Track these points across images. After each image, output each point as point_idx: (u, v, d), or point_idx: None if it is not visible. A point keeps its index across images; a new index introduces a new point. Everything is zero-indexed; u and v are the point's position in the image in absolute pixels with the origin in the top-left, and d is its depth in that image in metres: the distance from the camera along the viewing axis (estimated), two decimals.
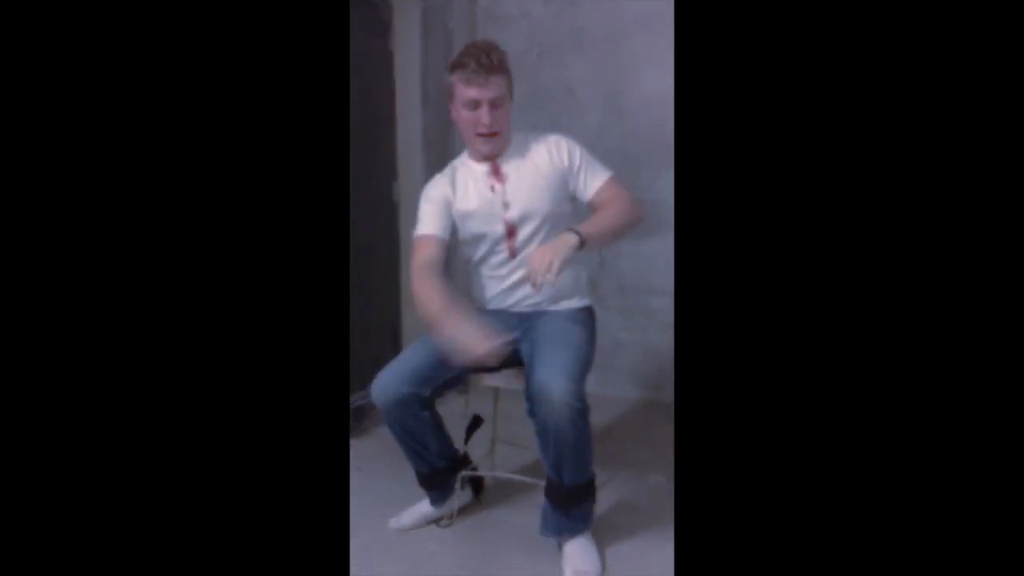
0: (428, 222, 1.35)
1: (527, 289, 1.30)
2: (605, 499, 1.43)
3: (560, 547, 1.28)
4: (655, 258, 2.30)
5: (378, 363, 1.34)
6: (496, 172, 1.30)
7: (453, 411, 1.50)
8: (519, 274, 1.32)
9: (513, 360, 1.28)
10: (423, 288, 1.24)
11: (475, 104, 1.27)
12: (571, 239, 1.16)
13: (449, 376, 1.30)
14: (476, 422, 1.49)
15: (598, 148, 2.34)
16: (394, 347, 2.37)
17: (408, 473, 1.39)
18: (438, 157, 2.39)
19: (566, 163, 1.32)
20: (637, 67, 2.26)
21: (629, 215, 1.30)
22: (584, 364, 1.21)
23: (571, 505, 1.23)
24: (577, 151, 1.34)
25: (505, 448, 1.66)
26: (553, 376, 1.13)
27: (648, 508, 1.50)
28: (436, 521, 1.45)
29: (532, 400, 1.15)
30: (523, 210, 1.30)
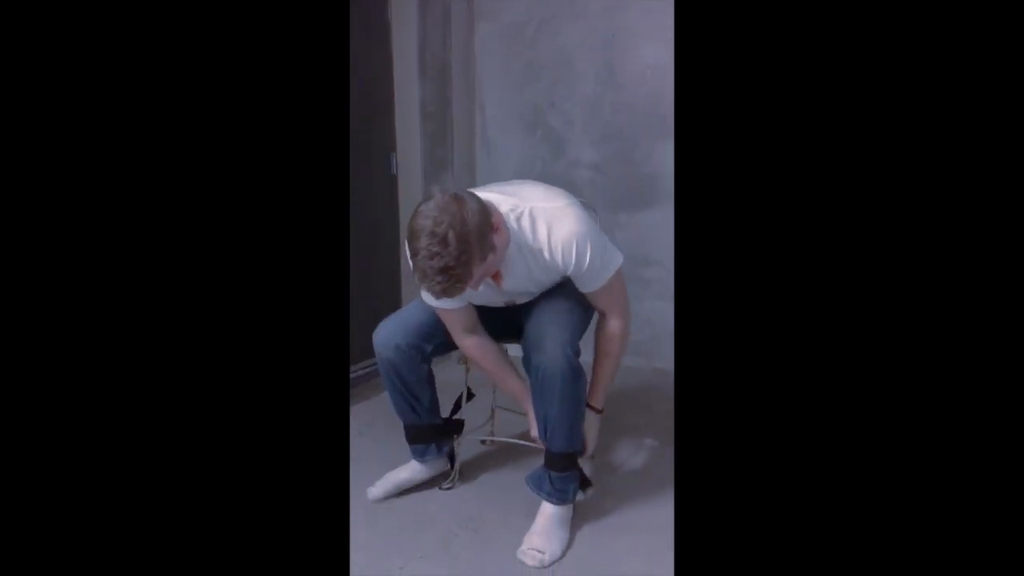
0: (443, 300, 1.17)
1: (524, 298, 1.32)
2: (600, 463, 1.50)
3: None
4: (650, 229, 2.33)
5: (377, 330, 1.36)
6: (495, 277, 1.18)
7: (454, 379, 1.55)
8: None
9: (515, 333, 1.33)
10: (496, 373, 1.35)
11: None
12: (596, 419, 1.32)
13: (449, 337, 1.33)
14: (468, 395, 1.49)
15: (595, 119, 2.37)
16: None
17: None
18: (436, 129, 2.40)
19: (569, 270, 1.17)
20: (634, 38, 2.25)
21: (622, 350, 1.28)
22: (578, 322, 1.24)
23: (554, 469, 1.27)
24: (584, 263, 1.14)
25: (504, 415, 1.72)
26: (548, 326, 1.17)
27: (641, 469, 1.57)
28: (439, 484, 1.49)
29: (528, 350, 1.19)
30: (524, 294, 1.27)
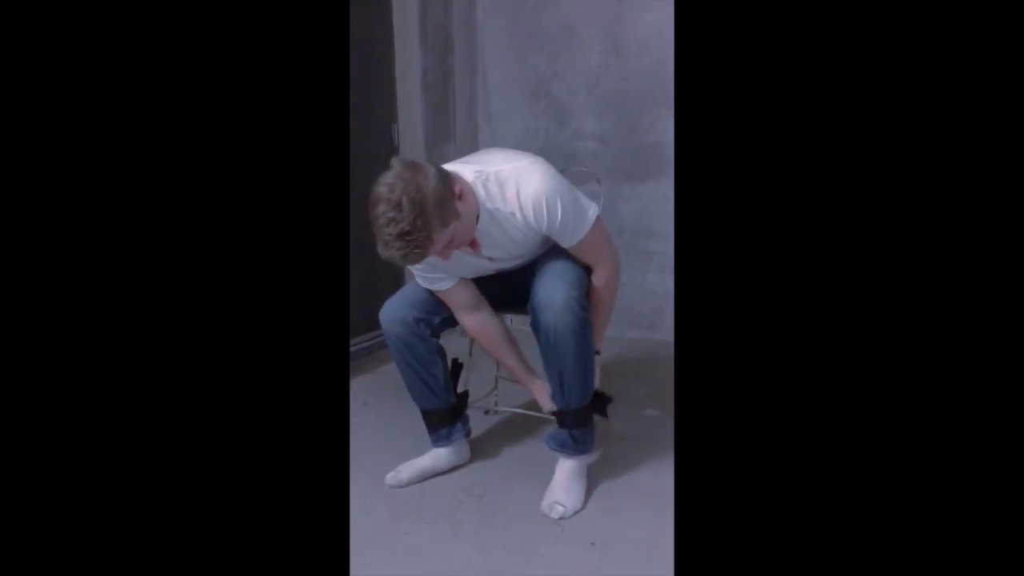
0: (434, 278, 1.27)
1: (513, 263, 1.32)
2: (602, 432, 1.51)
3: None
4: (654, 201, 2.32)
5: (381, 305, 1.36)
6: (472, 244, 1.19)
7: (457, 350, 1.56)
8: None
9: (516, 302, 1.33)
10: (498, 353, 1.38)
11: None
12: (596, 360, 1.31)
13: None
14: (456, 366, 1.47)
15: (598, 89, 2.34)
16: (396, 285, 2.42)
17: (412, 404, 1.43)
18: (438, 99, 2.37)
19: (543, 228, 1.17)
20: (638, 6, 2.21)
21: (613, 296, 1.29)
22: (581, 276, 1.24)
23: (575, 426, 1.30)
24: (556, 217, 1.14)
25: (506, 385, 1.74)
26: (556, 285, 1.18)
27: (643, 439, 1.59)
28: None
29: (535, 310, 1.19)
30: (509, 260, 1.27)
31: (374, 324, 1.37)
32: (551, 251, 1.29)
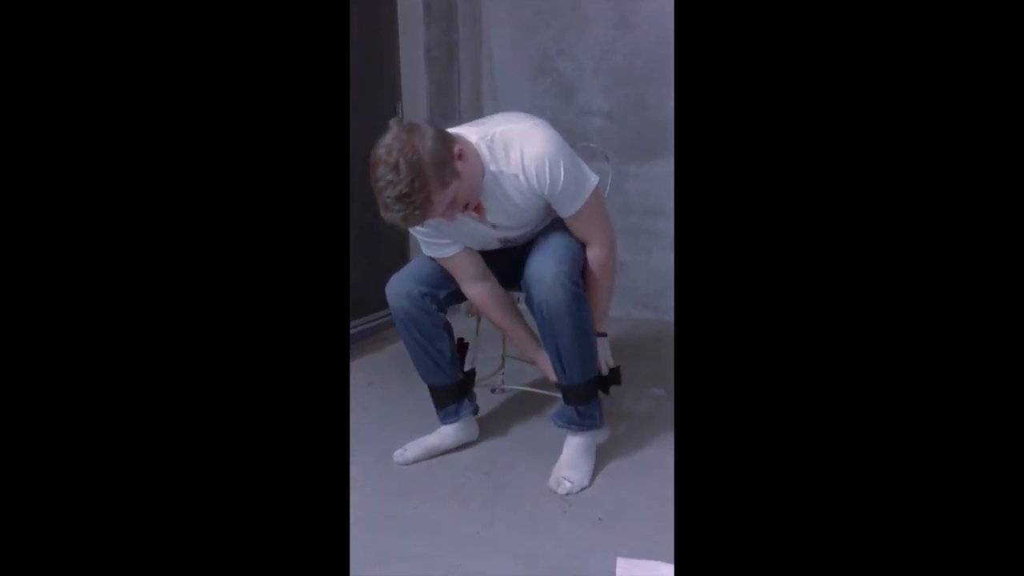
0: (439, 244, 1.27)
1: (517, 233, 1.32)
2: (608, 411, 1.51)
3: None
4: (661, 181, 2.29)
5: (385, 284, 1.35)
6: (477, 209, 1.18)
7: (463, 330, 1.56)
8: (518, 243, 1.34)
9: (518, 279, 1.32)
10: (504, 324, 1.35)
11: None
12: (603, 342, 1.33)
13: None
14: (462, 345, 1.47)
15: (605, 65, 2.30)
16: (401, 265, 2.41)
17: (419, 384, 1.43)
18: (442, 76, 2.34)
19: (545, 192, 1.16)
20: None
21: (610, 277, 1.29)
22: (576, 254, 1.23)
23: (578, 403, 1.30)
24: (558, 179, 1.14)
25: (514, 363, 1.74)
26: (546, 261, 1.18)
27: (649, 418, 1.59)
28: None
29: (527, 287, 1.19)
30: (514, 228, 1.26)
31: (379, 304, 1.37)
32: (548, 228, 1.29)
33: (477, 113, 2.51)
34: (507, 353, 1.73)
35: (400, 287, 1.30)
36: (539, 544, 1.12)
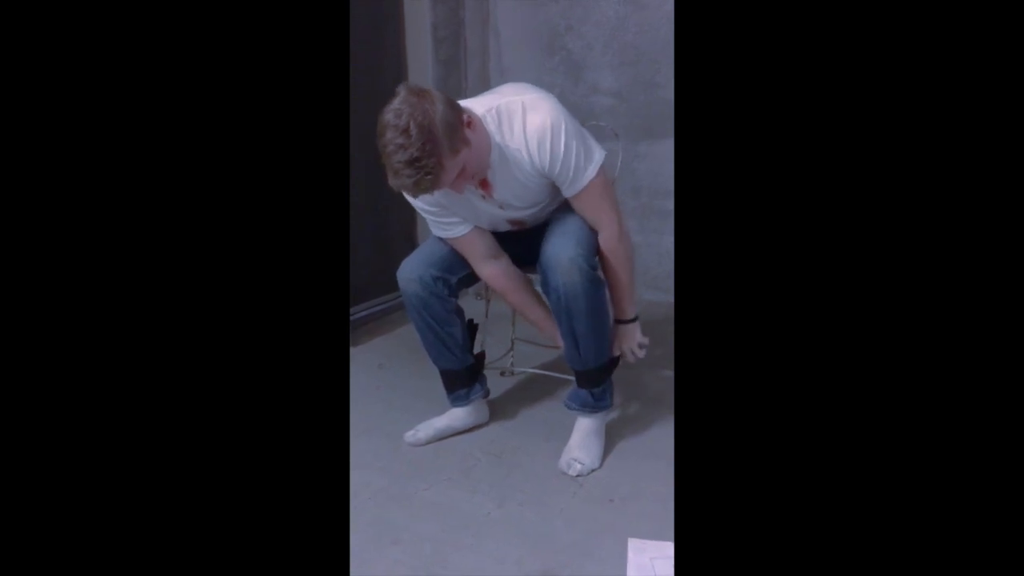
0: (449, 224, 1.25)
1: (539, 222, 1.31)
2: (619, 393, 1.51)
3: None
4: (670, 160, 2.26)
5: (394, 266, 1.34)
6: (483, 185, 1.17)
7: (473, 312, 1.55)
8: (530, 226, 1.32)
9: (532, 262, 1.31)
10: (518, 302, 1.34)
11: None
12: (636, 326, 1.31)
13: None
14: (472, 327, 1.46)
15: (615, 44, 2.25)
16: (410, 248, 2.40)
17: (428, 366, 1.42)
18: (449, 55, 2.31)
19: (547, 165, 1.13)
20: None
21: (625, 260, 1.24)
22: (592, 235, 1.21)
23: (592, 386, 1.30)
24: (560, 151, 1.11)
25: (523, 347, 1.73)
26: (562, 244, 1.15)
27: (660, 400, 1.58)
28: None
29: (543, 271, 1.17)
30: (522, 207, 1.23)
31: (388, 287, 1.37)
32: (561, 209, 1.27)
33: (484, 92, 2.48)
34: (516, 336, 1.72)
35: (411, 271, 1.28)
36: (550, 525, 1.12)
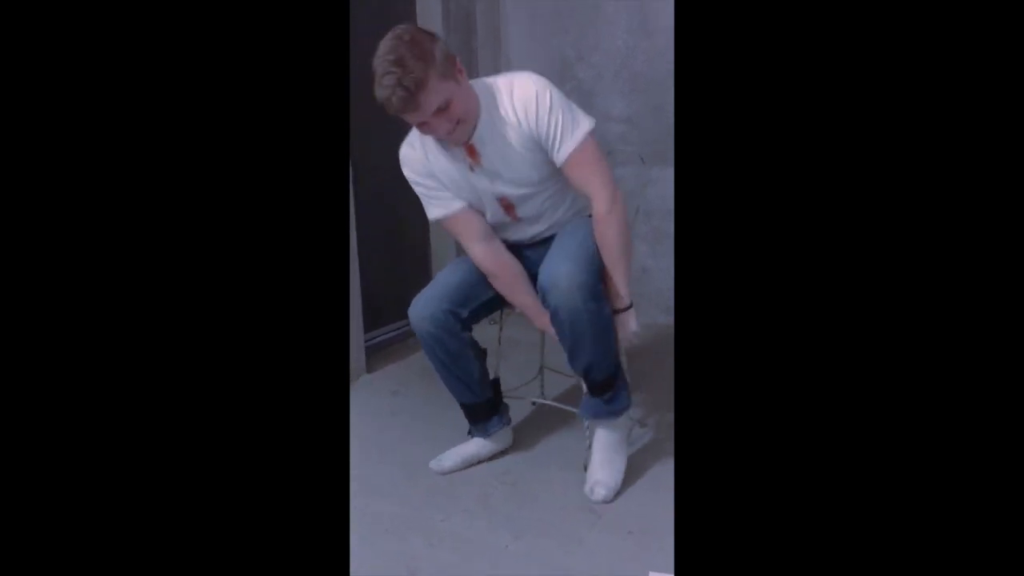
0: (441, 198, 1.26)
1: (537, 227, 1.32)
2: (635, 420, 1.49)
3: (589, 445, 1.32)
4: None
5: (409, 293, 1.36)
6: (471, 152, 1.18)
7: (487, 338, 1.55)
8: (528, 229, 1.32)
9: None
10: (509, 287, 1.31)
11: (422, 124, 1.12)
12: (630, 314, 1.26)
13: (486, 298, 1.32)
14: (481, 353, 1.43)
15: (624, 72, 2.28)
16: (424, 274, 2.42)
17: (444, 392, 1.41)
18: None
19: (534, 127, 1.15)
20: None
21: (619, 235, 1.19)
22: (592, 254, 1.19)
23: (603, 391, 1.27)
24: (546, 110, 1.13)
25: (549, 375, 1.71)
26: (560, 262, 1.15)
27: (672, 425, 1.56)
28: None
29: (541, 292, 1.17)
30: (511, 182, 1.22)
31: (401, 313, 1.36)
32: (562, 231, 1.27)
33: None
34: (545, 364, 1.70)
35: (423, 309, 1.28)
36: (568, 558, 1.10)
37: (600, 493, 1.25)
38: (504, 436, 1.45)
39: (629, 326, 1.28)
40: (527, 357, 1.72)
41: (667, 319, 2.37)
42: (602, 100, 2.35)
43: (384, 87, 1.03)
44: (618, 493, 1.27)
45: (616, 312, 1.26)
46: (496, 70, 2.47)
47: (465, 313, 1.30)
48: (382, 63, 1.03)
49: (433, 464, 1.40)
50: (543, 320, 1.28)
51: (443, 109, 1.07)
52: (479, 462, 1.41)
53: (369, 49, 1.07)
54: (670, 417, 1.61)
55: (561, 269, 1.14)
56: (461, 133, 1.14)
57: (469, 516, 1.24)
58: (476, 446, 1.42)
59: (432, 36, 1.09)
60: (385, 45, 1.05)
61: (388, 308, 2.19)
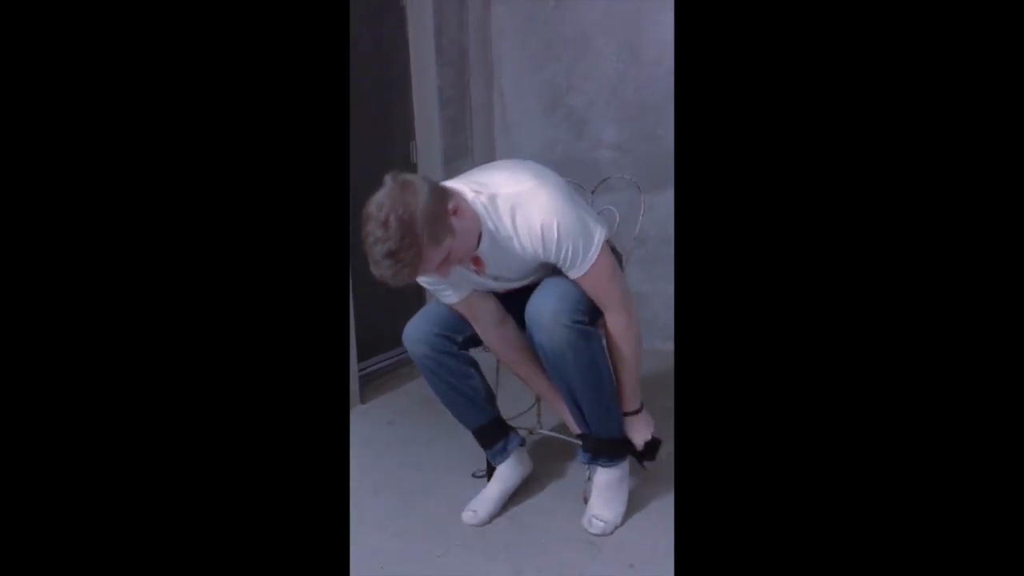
0: (443, 291, 1.24)
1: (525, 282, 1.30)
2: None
3: (589, 477, 1.30)
4: (673, 209, 2.29)
5: (403, 321, 1.34)
6: (476, 263, 1.16)
7: (485, 365, 1.54)
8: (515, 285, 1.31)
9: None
10: (521, 371, 1.32)
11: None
12: (641, 418, 1.29)
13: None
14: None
15: (616, 99, 2.32)
16: (418, 302, 2.42)
17: (440, 421, 1.40)
18: (456, 114, 2.38)
19: (542, 255, 1.13)
20: (654, 11, 2.20)
21: (633, 347, 1.22)
22: (583, 296, 1.17)
23: (600, 455, 1.26)
24: (553, 242, 1.09)
25: (546, 404, 1.69)
26: (543, 301, 1.14)
27: (672, 452, 1.55)
28: (473, 472, 1.45)
29: (530, 331, 1.16)
30: (516, 278, 1.23)
31: (397, 341, 1.35)
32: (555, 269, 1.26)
33: (490, 149, 2.54)
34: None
35: (416, 333, 1.27)
36: None
37: (598, 526, 1.23)
38: (523, 460, 1.39)
39: (643, 432, 1.29)
40: (524, 385, 1.71)
41: (663, 343, 2.36)
42: (594, 127, 2.38)
43: (381, 270, 1.00)
44: (617, 526, 1.25)
45: (626, 415, 1.27)
46: (489, 102, 2.51)
47: (459, 338, 1.29)
48: (373, 252, 0.98)
49: (467, 517, 1.30)
50: (559, 402, 1.28)
51: (444, 261, 1.05)
52: (511, 495, 1.36)
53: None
54: (670, 447, 1.60)
55: (544, 305, 1.13)
56: (465, 260, 1.13)
57: (467, 549, 1.22)
58: (501, 480, 1.35)
59: (415, 197, 0.99)
60: (372, 227, 0.98)
61: (382, 337, 2.18)
